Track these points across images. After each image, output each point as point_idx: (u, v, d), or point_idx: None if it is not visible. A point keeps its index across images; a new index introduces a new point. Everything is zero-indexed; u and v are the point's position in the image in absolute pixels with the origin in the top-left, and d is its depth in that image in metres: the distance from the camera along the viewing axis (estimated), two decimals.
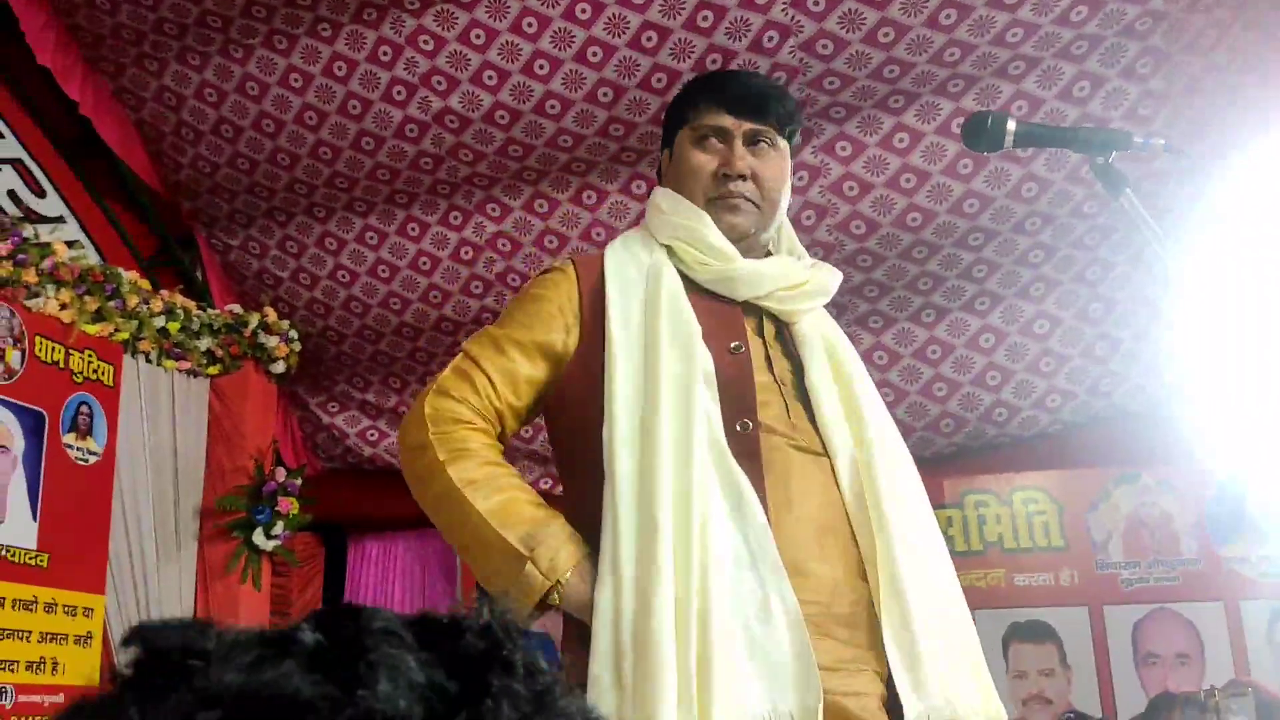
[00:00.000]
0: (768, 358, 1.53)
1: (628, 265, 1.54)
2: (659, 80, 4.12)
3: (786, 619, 1.31)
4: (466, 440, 1.46)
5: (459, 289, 4.93)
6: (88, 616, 4.10)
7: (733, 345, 1.49)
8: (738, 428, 1.43)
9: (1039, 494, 4.66)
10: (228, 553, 4.75)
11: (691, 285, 1.53)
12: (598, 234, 4.68)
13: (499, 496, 1.41)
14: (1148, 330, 4.46)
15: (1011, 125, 1.39)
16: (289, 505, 4.78)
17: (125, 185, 4.99)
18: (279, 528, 4.78)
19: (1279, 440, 4.16)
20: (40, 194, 4.57)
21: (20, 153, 4.51)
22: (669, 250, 1.55)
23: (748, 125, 1.55)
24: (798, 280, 1.57)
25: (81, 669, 4.02)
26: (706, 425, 1.39)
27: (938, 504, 4.64)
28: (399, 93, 4.34)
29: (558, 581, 1.36)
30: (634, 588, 1.31)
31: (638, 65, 4.09)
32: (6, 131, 4.48)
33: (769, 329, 1.56)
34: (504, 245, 4.79)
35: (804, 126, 4.25)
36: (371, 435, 5.48)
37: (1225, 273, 4.30)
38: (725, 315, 1.53)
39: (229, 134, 4.63)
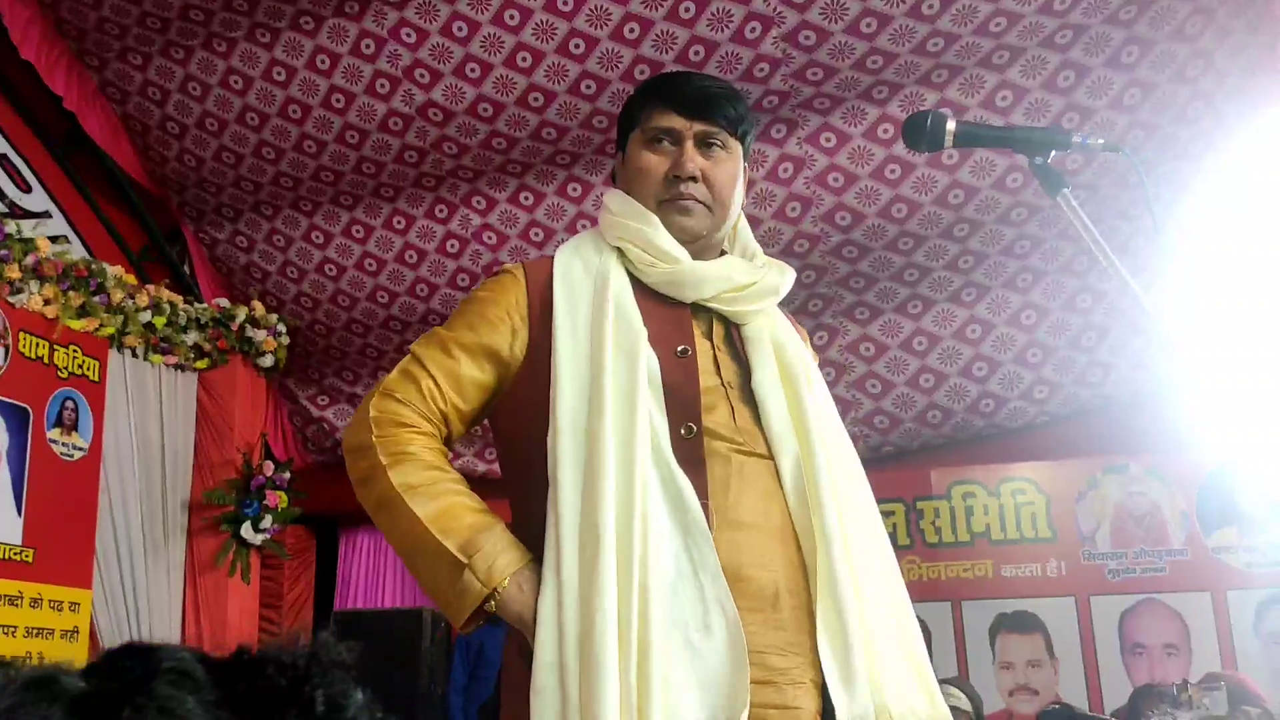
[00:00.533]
0: (715, 360, 1.51)
1: (575, 268, 1.53)
2: (641, 72, 4.10)
3: (726, 629, 1.31)
4: (409, 443, 1.43)
5: (445, 282, 4.93)
6: (74, 611, 4.11)
7: (679, 349, 1.48)
8: (682, 432, 1.42)
9: (1027, 485, 4.65)
10: (216, 547, 4.76)
11: (640, 287, 1.52)
12: (583, 225, 4.67)
13: (438, 502, 1.39)
14: (1136, 320, 4.44)
15: (951, 125, 1.38)
16: (277, 499, 4.79)
17: (113, 180, 4.99)
18: (267, 521, 4.79)
19: (1268, 430, 4.15)
20: (26, 189, 4.57)
21: (5, 148, 4.51)
22: (619, 252, 1.54)
23: (699, 126, 1.54)
24: (744, 281, 1.55)
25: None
26: (650, 432, 1.38)
27: (925, 495, 4.68)
28: (382, 86, 4.33)
29: (495, 589, 1.34)
30: (577, 599, 1.30)
31: (620, 57, 4.08)
32: None
33: (718, 331, 1.55)
34: (490, 238, 4.78)
35: (788, 118, 4.25)
36: None
37: (1214, 261, 4.29)
38: (673, 318, 1.52)
39: (214, 128, 4.62)
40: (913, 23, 3.87)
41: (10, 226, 4.06)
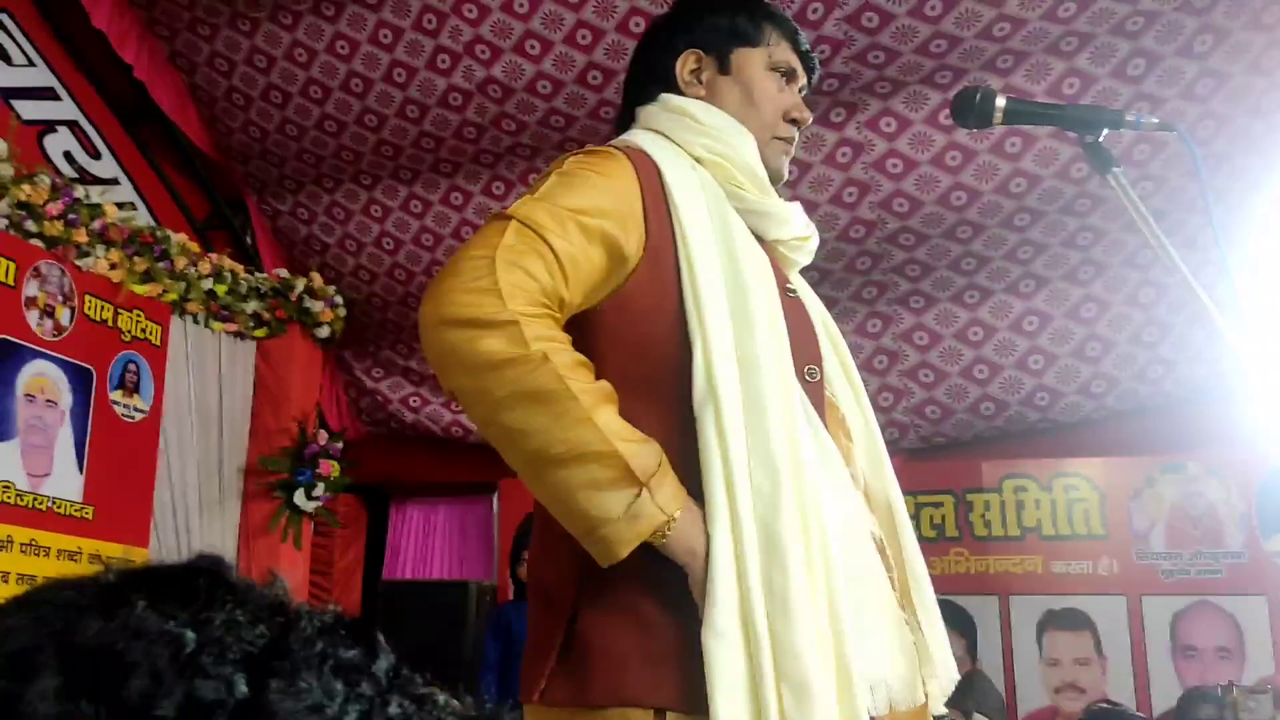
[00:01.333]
0: None
1: (682, 171, 1.35)
2: None
3: (879, 588, 1.29)
4: (558, 333, 1.20)
5: None
6: None
7: (788, 287, 1.38)
8: (806, 375, 1.31)
9: (1081, 481, 4.57)
10: (270, 512, 4.85)
11: None
12: None
13: (611, 406, 1.17)
14: (1199, 315, 4.33)
15: (1000, 101, 1.35)
16: (329, 468, 4.87)
17: (179, 148, 5.09)
18: (320, 489, 4.87)
19: None
20: (95, 155, 4.68)
21: (77, 115, 4.61)
22: (700, 166, 1.40)
23: (806, 81, 1.52)
24: (809, 232, 1.50)
25: None
26: (793, 370, 1.28)
27: (975, 488, 4.62)
28: (443, 61, 4.35)
29: (670, 518, 1.15)
30: (756, 535, 1.16)
31: None
32: (64, 94, 4.58)
33: None
34: None
35: (848, 102, 4.20)
36: (414, 401, 5.55)
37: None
38: (768, 250, 1.40)
39: (278, 100, 4.69)
40: (979, 6, 3.80)
41: (79, 191, 4.15)
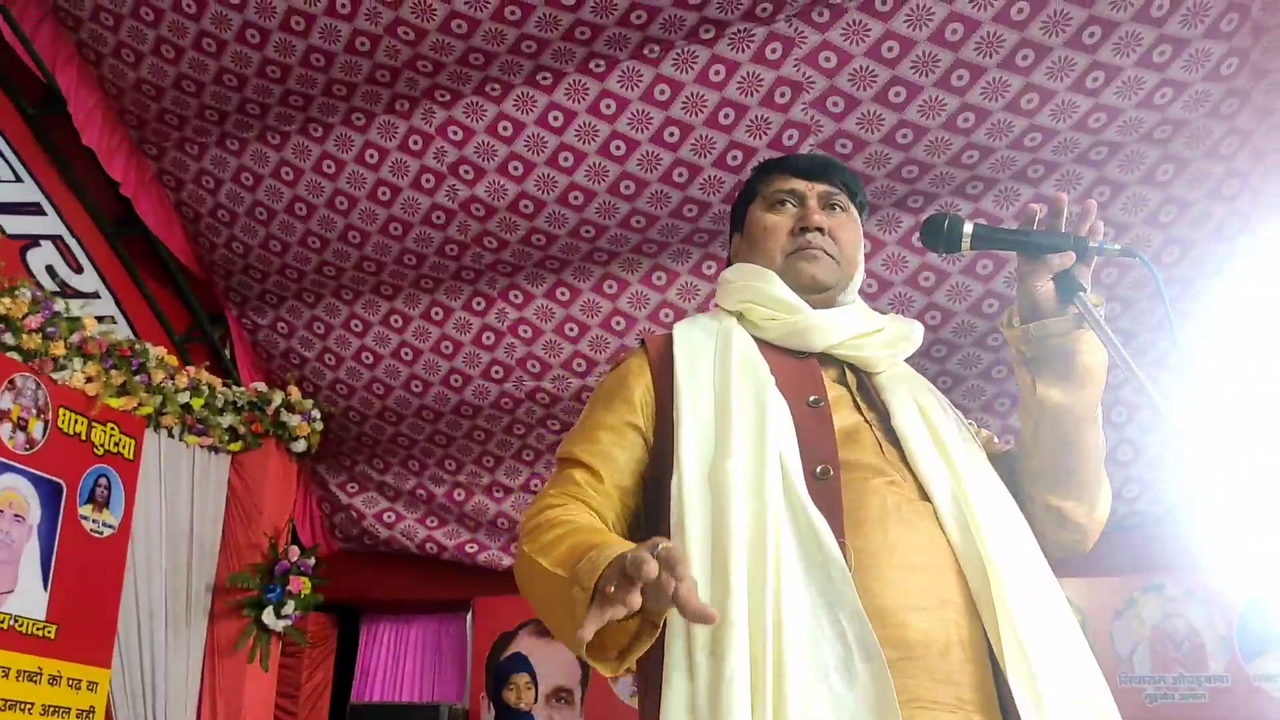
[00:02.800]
0: (855, 402, 1.46)
1: (694, 333, 1.51)
2: (680, 175, 4.19)
3: (870, 673, 1.18)
4: (540, 512, 1.35)
5: (479, 373, 4.98)
6: (92, 691, 4.09)
7: (811, 399, 1.42)
8: (817, 472, 1.33)
9: None
10: (237, 631, 4.74)
11: (764, 345, 1.48)
12: (618, 322, 4.72)
13: (560, 546, 1.26)
14: (1171, 436, 4.38)
15: (968, 227, 1.39)
16: (300, 585, 4.78)
17: (162, 263, 5.13)
18: (290, 607, 4.77)
19: None
20: (78, 269, 4.70)
21: (61, 229, 4.66)
22: (739, 316, 1.53)
23: (820, 187, 1.56)
24: (868, 328, 1.51)
25: None
26: (780, 472, 1.30)
27: None
28: (427, 180, 4.44)
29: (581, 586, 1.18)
30: (707, 649, 1.20)
31: (660, 159, 4.17)
32: (49, 209, 4.63)
33: (852, 380, 1.49)
34: (525, 332, 4.83)
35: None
36: (388, 517, 5.49)
37: (1250, 375, 4.24)
38: (801, 368, 1.46)
39: (263, 216, 4.75)
40: (949, 135, 3.93)
41: (59, 305, 4.16)
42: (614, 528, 1.37)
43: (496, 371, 4.96)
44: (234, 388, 5.02)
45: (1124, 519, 4.61)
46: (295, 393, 5.09)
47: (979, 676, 1.27)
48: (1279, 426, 4.15)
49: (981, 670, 1.27)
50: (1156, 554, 4.45)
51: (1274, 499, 4.07)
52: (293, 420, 5.03)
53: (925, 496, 1.36)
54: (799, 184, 1.56)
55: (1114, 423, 4.51)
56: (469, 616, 5.53)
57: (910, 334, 1.54)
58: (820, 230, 1.52)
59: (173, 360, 4.70)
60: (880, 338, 1.51)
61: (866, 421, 1.43)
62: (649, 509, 1.42)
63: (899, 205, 4.20)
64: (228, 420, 4.89)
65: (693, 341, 1.48)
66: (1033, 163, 4.01)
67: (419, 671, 5.71)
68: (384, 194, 4.53)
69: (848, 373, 1.50)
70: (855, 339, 1.50)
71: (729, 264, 1.65)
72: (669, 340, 1.50)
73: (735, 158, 4.13)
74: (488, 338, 4.89)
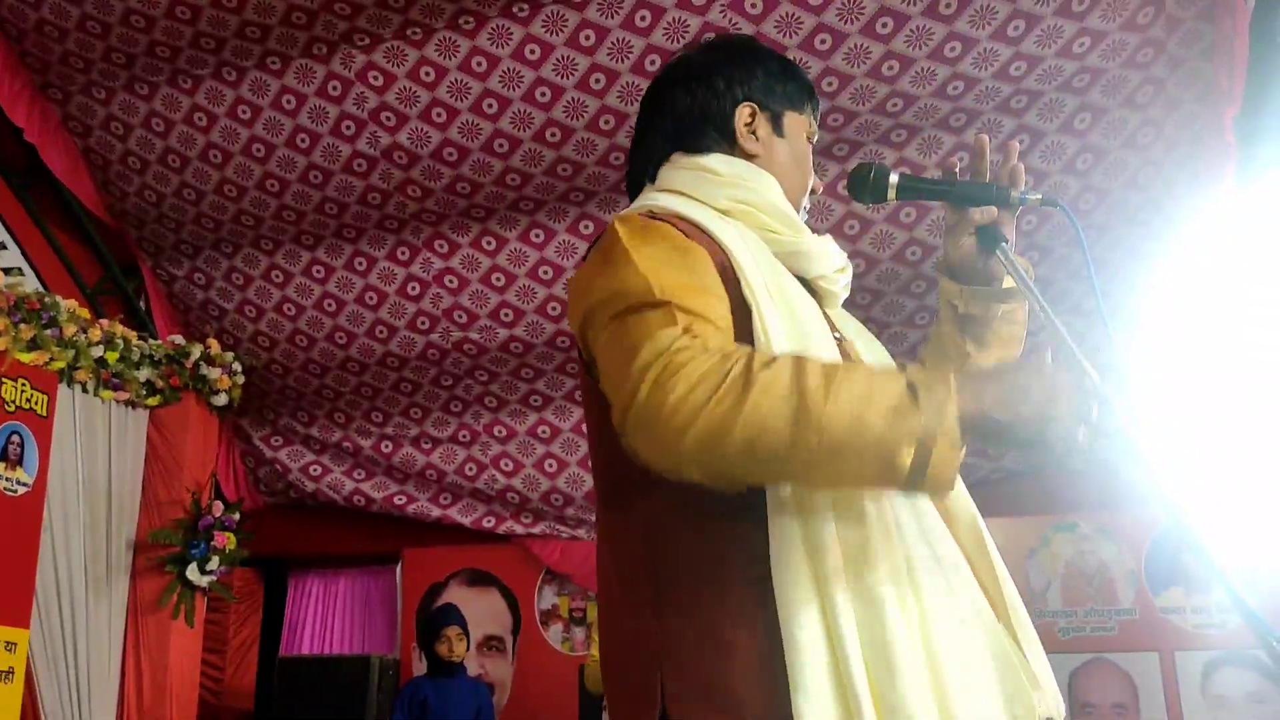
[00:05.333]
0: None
1: (726, 227, 1.28)
2: (606, 122, 4.15)
3: (982, 622, 1.15)
4: (741, 356, 1.08)
5: (405, 324, 4.92)
6: (10, 651, 4.00)
7: (835, 334, 1.32)
8: None
9: None
10: (161, 588, 4.66)
11: None
12: (544, 272, 4.69)
13: (853, 375, 1.06)
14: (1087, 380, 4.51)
15: (894, 178, 1.38)
16: (225, 540, 4.70)
17: (70, 213, 4.95)
18: (214, 563, 4.70)
19: (1216, 489, 4.22)
20: None
21: None
22: (727, 216, 1.33)
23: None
24: (845, 263, 1.43)
25: (2, 706, 3.91)
26: None
27: None
28: (348, 127, 4.34)
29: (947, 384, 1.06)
30: (852, 583, 1.08)
31: (586, 107, 4.12)
32: None
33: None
34: (451, 282, 4.78)
35: None
36: (315, 470, 5.43)
37: (1167, 322, 4.38)
38: (809, 295, 1.33)
39: (176, 164, 4.60)
40: (873, 83, 3.95)
41: None
42: None
43: (423, 322, 4.90)
44: (150, 341, 4.89)
45: (1042, 461, 4.75)
46: (215, 345, 4.98)
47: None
48: (1186, 369, 4.29)
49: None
50: (1070, 494, 4.60)
51: (1182, 438, 4.22)
52: (213, 373, 4.92)
53: None
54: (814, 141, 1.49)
55: None
56: (398, 568, 5.53)
57: (849, 280, 1.50)
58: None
59: (85, 313, 4.55)
60: (845, 275, 1.44)
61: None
62: None
63: (824, 153, 4.22)
64: (144, 374, 4.77)
65: (732, 238, 1.26)
66: (955, 111, 4.05)
67: (349, 624, 5.70)
68: (303, 141, 4.42)
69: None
70: (836, 272, 1.41)
71: (729, 137, 1.40)
72: (700, 229, 1.27)
73: None
74: (413, 288, 4.83)
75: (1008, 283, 1.43)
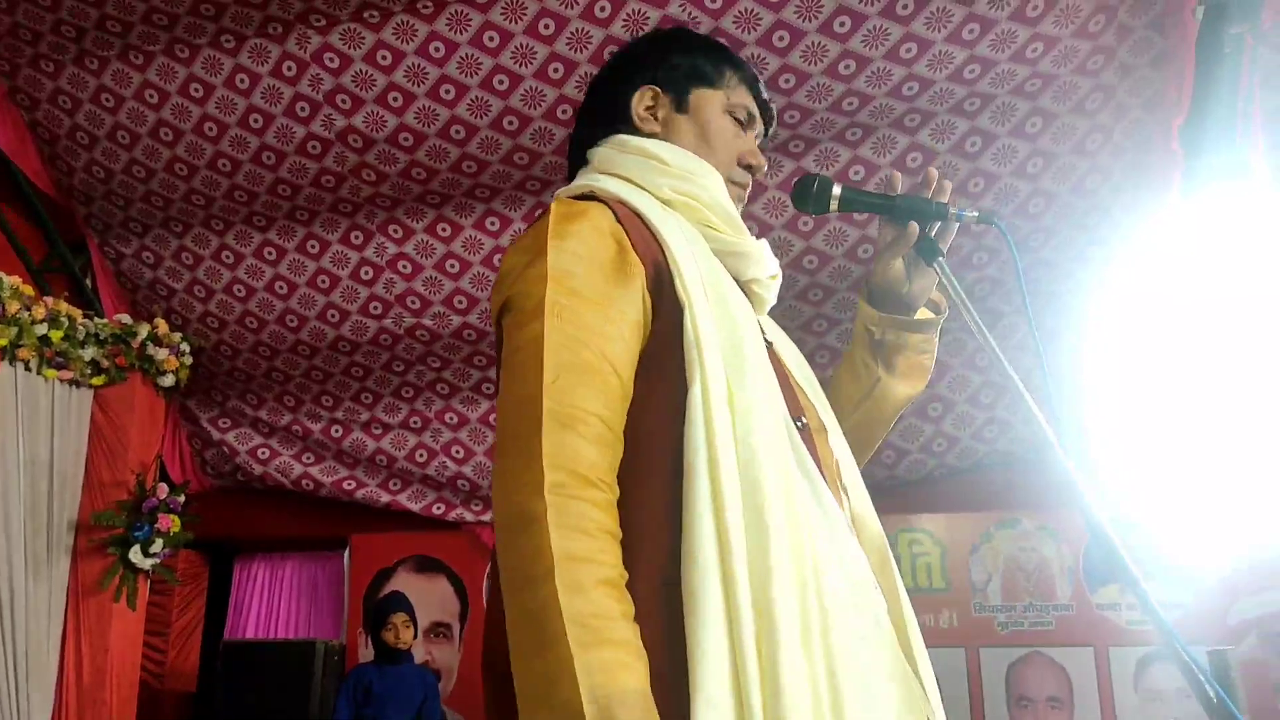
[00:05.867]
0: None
1: (669, 221, 1.27)
2: (564, 111, 4.14)
3: (882, 630, 1.16)
4: (584, 523, 1.06)
5: (357, 309, 4.89)
6: None
7: (766, 339, 1.30)
8: (796, 424, 1.23)
9: (924, 536, 4.75)
10: (102, 569, 4.60)
11: None
12: (499, 260, 4.67)
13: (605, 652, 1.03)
14: (1031, 378, 4.59)
15: (836, 190, 1.40)
16: (169, 523, 4.66)
17: (16, 188, 4.85)
18: (158, 545, 4.65)
19: (1150, 490, 4.32)
20: None
21: None
22: (668, 207, 1.33)
23: (762, 129, 1.47)
24: (778, 270, 1.44)
25: None
26: (786, 418, 1.19)
27: None
28: (302, 109, 4.29)
29: None
30: (753, 611, 1.06)
31: (544, 96, 4.11)
32: None
33: None
34: (405, 267, 4.75)
35: None
36: (263, 453, 5.38)
37: (1107, 328, 4.46)
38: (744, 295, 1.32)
39: (125, 140, 4.53)
40: (830, 81, 3.98)
41: None
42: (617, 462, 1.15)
43: (375, 307, 4.87)
44: (96, 319, 4.81)
45: (984, 458, 4.84)
46: (162, 325, 4.92)
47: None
48: (1129, 374, 4.38)
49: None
50: (1012, 491, 4.68)
51: (1122, 439, 4.31)
52: (160, 354, 4.86)
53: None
54: (757, 115, 1.46)
55: (978, 366, 4.71)
56: (346, 554, 5.50)
57: (778, 288, 1.50)
58: (754, 177, 1.45)
59: (29, 290, 4.48)
60: (777, 282, 1.45)
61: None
62: (633, 413, 1.18)
63: (780, 150, 4.25)
64: (90, 353, 4.70)
65: (674, 233, 1.25)
66: (910, 111, 4.10)
67: (294, 609, 5.66)
68: (256, 121, 4.36)
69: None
70: (769, 278, 1.42)
71: (627, 118, 1.41)
72: (642, 220, 1.26)
73: None
74: (366, 272, 4.79)
75: (921, 314, 1.47)
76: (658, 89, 1.42)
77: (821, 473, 1.21)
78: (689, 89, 1.42)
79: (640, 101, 1.41)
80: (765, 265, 1.38)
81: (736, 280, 1.32)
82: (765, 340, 1.30)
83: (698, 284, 1.21)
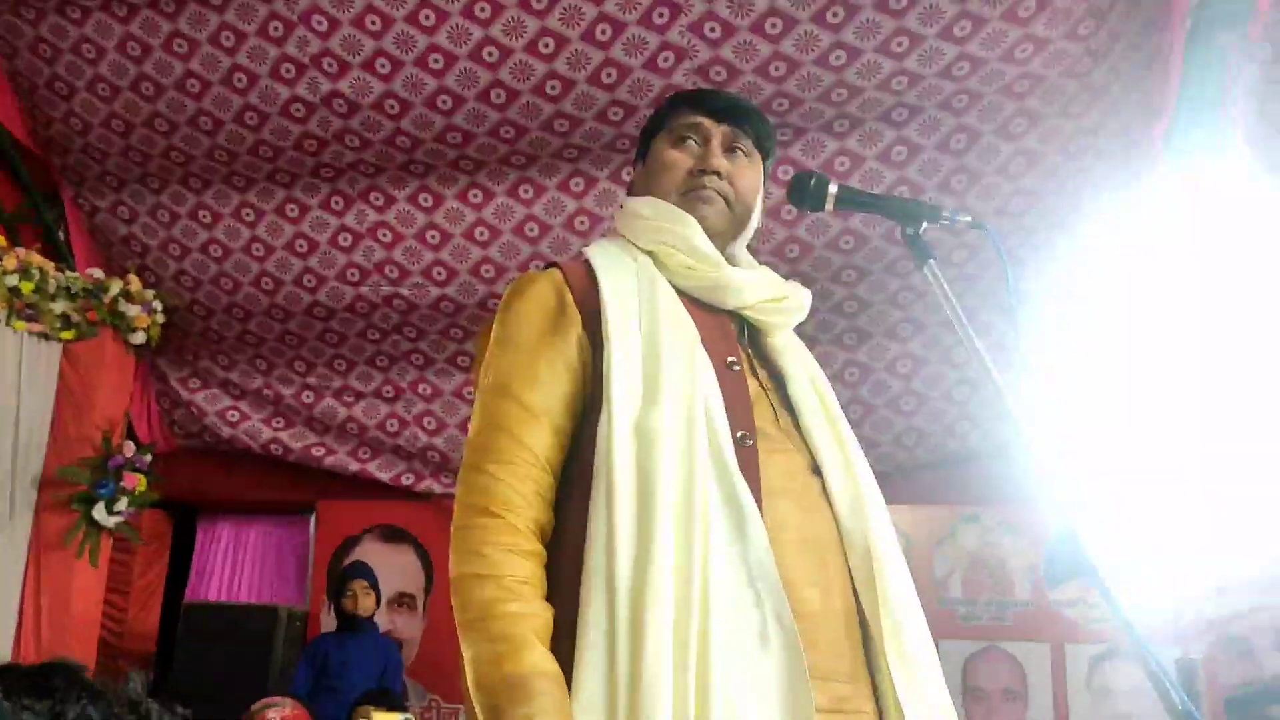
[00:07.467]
0: (753, 365, 1.45)
1: (617, 270, 1.43)
2: (553, 87, 4.12)
3: (784, 643, 1.20)
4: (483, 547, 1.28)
5: (334, 275, 4.85)
6: None
7: (729, 360, 1.41)
8: (738, 438, 1.33)
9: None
10: (65, 526, 4.57)
11: (681, 295, 1.45)
12: (481, 233, 4.66)
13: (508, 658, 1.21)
14: (1007, 374, 4.63)
15: (833, 189, 1.42)
16: (135, 481, 4.62)
17: None
18: (123, 504, 4.62)
19: (1113, 488, 4.38)
20: None
21: None
22: (651, 256, 1.48)
23: (726, 128, 1.53)
24: (780, 294, 1.51)
25: None
26: (708, 437, 1.29)
27: None
28: (287, 70, 4.24)
29: None
30: (629, 610, 1.17)
31: (533, 70, 4.09)
32: None
33: (748, 341, 1.49)
34: (385, 235, 4.72)
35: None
36: (232, 416, 5.34)
37: (1084, 326, 4.51)
38: (718, 325, 1.45)
39: (105, 93, 4.46)
40: (820, 71, 3.98)
41: None
42: (547, 493, 1.32)
43: (353, 274, 4.84)
44: (68, 273, 4.75)
45: (954, 453, 4.88)
46: (135, 282, 4.86)
47: (857, 648, 1.32)
48: (1103, 374, 4.43)
49: (857, 643, 1.32)
50: (979, 487, 4.73)
51: (1086, 442, 4.36)
52: (131, 310, 4.81)
53: (815, 469, 1.38)
54: (706, 122, 1.53)
55: (955, 362, 4.74)
56: (312, 520, 5.48)
57: (805, 305, 1.56)
58: (718, 174, 1.50)
59: (0, 240, 4.41)
60: (784, 304, 1.51)
61: (764, 388, 1.43)
62: (574, 446, 1.35)
63: None
64: (60, 307, 4.64)
65: (618, 280, 1.42)
66: (898, 105, 4.11)
67: (258, 573, 5.64)
68: (240, 80, 4.31)
69: (746, 333, 1.50)
70: (767, 303, 1.49)
71: (629, 190, 1.61)
72: (590, 274, 1.43)
73: (609, 74, 4.08)
74: (345, 239, 4.76)
75: None
76: (641, 161, 1.62)
77: (758, 483, 1.30)
78: (648, 144, 1.60)
79: (633, 172, 1.64)
80: (749, 293, 1.47)
81: (729, 309, 1.47)
82: (732, 361, 1.41)
83: (622, 323, 1.36)
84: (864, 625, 1.33)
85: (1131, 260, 4.37)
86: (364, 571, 4.52)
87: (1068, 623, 4.56)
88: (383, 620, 4.98)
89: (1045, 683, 4.49)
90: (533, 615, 1.22)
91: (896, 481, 4.90)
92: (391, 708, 3.62)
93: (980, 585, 4.67)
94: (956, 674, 4.56)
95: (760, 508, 1.28)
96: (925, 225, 1.38)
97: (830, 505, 1.36)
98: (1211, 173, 4.09)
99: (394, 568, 5.18)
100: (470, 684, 1.18)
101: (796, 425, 1.42)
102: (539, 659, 1.18)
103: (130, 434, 5.02)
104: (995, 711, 4.46)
